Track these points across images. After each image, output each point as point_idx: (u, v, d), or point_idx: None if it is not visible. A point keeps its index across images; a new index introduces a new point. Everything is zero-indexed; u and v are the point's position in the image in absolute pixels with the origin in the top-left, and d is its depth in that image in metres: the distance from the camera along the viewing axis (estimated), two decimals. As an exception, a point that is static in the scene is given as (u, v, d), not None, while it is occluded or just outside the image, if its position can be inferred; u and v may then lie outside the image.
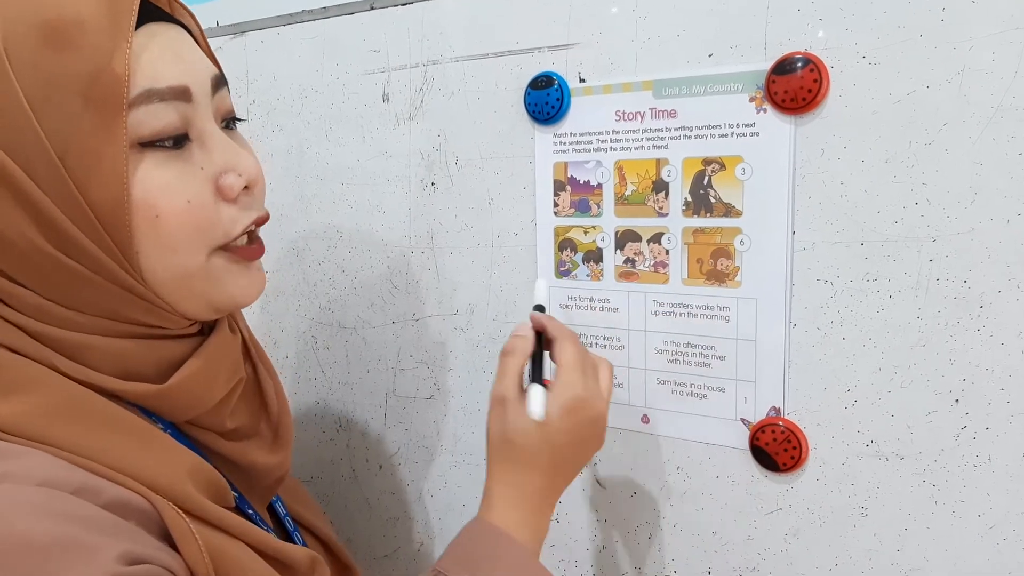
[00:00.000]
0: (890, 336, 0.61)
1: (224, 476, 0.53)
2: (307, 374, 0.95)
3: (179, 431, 0.53)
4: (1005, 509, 0.59)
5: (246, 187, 0.51)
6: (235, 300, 0.53)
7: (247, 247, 0.53)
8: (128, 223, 0.45)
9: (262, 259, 0.55)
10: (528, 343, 0.63)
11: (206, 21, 0.91)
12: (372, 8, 0.81)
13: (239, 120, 0.56)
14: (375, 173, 0.84)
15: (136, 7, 0.45)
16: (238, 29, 0.90)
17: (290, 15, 0.86)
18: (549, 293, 0.72)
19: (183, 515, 0.45)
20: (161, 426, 0.51)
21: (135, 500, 0.44)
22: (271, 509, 0.63)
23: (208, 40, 0.91)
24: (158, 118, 0.46)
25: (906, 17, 0.57)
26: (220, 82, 0.52)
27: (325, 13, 0.84)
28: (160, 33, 0.47)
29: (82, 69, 0.43)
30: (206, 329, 0.55)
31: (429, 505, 0.89)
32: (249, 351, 0.61)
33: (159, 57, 0.46)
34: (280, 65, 0.89)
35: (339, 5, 0.83)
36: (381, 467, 0.91)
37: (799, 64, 0.61)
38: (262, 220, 0.54)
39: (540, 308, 0.67)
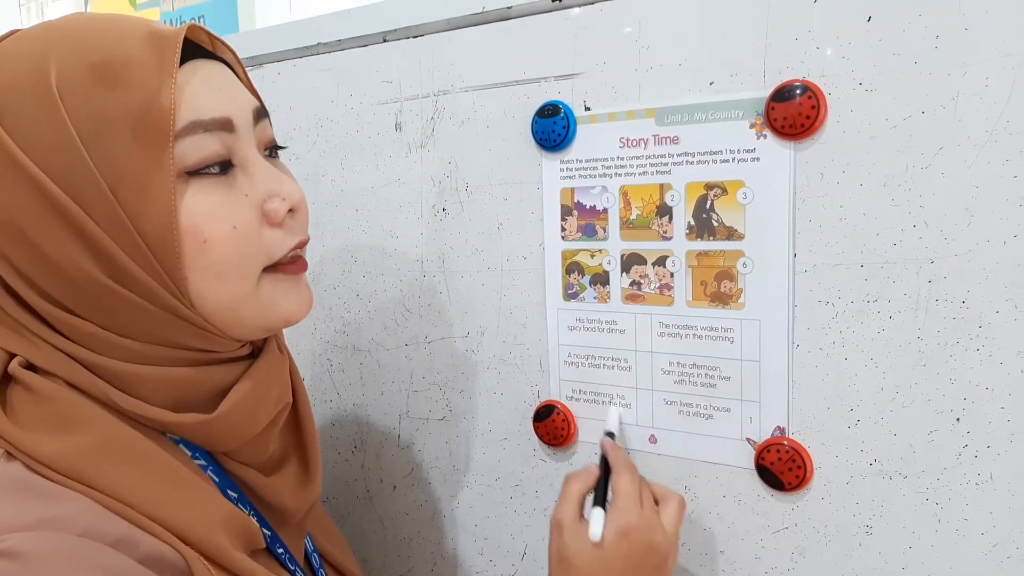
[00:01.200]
0: (891, 356, 0.62)
1: (257, 511, 0.55)
2: (323, 396, 0.97)
3: (219, 464, 0.54)
4: (1008, 527, 0.59)
5: (290, 211, 0.53)
6: (286, 318, 0.54)
7: (291, 263, 0.54)
8: (177, 250, 0.47)
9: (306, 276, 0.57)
10: (592, 471, 0.66)
11: (226, 54, 0.94)
12: (385, 40, 0.84)
13: (281, 148, 0.58)
14: (388, 199, 0.87)
15: (179, 46, 0.48)
16: (256, 62, 0.93)
17: (306, 48, 0.89)
18: (620, 421, 0.75)
19: (212, 570, 0.46)
20: (202, 462, 0.52)
21: (168, 555, 0.45)
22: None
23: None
24: (203, 147, 0.48)
25: (901, 44, 0.59)
26: (261, 113, 0.55)
27: (340, 45, 0.87)
28: (202, 69, 0.50)
29: (131, 105, 0.46)
30: (255, 351, 0.57)
31: (442, 526, 0.90)
32: (294, 376, 0.63)
33: (202, 91, 0.49)
34: (296, 96, 0.92)
35: (353, 38, 0.85)
36: (395, 487, 0.93)
37: (797, 91, 0.62)
38: (304, 243, 0.56)
39: (610, 435, 0.71)
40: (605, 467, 0.67)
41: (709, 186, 0.68)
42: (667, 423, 0.73)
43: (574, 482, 0.65)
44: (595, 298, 0.75)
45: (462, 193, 0.81)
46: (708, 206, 0.68)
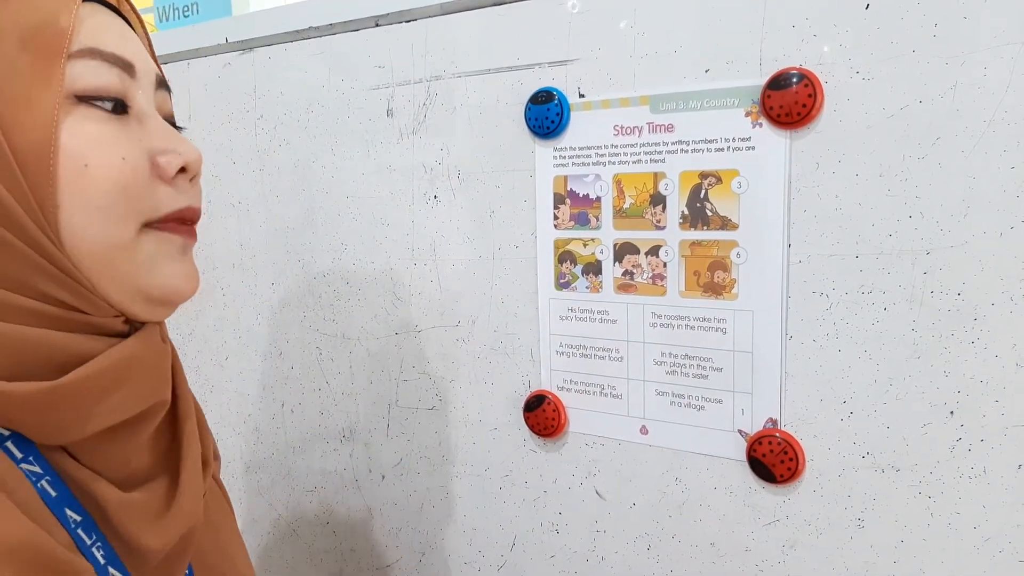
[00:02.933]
0: (885, 348, 0.62)
1: (107, 542, 0.44)
2: (312, 384, 0.96)
3: (60, 475, 0.42)
4: (1000, 521, 0.59)
5: (183, 170, 0.47)
6: (168, 287, 0.46)
7: (176, 221, 0.47)
8: (53, 171, 0.40)
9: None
10: None
11: (216, 37, 0.93)
12: (377, 25, 0.82)
13: (180, 128, 0.51)
14: (379, 186, 0.86)
15: None
16: (246, 45, 0.92)
17: (297, 32, 0.88)
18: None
19: None
20: (35, 468, 0.41)
21: None
22: None
23: (218, 56, 0.93)
24: (99, 75, 0.43)
25: (899, 33, 0.58)
26: (163, 83, 0.49)
27: (331, 30, 0.85)
28: (108, 17, 0.46)
29: (23, 19, 0.41)
30: (133, 332, 0.46)
31: (431, 516, 0.89)
32: (173, 378, 0.51)
33: (106, 30, 0.45)
34: (287, 81, 0.90)
35: (345, 22, 0.84)
36: (384, 477, 0.92)
37: (794, 79, 0.61)
38: (195, 212, 0.48)
39: None
40: None
41: (703, 175, 0.67)
42: (658, 414, 0.72)
43: None
44: (587, 288, 0.74)
45: (454, 180, 0.80)
46: (702, 195, 0.67)
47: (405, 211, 0.84)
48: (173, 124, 0.50)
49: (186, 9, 1.30)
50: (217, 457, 0.56)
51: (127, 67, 0.45)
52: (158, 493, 0.47)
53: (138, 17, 0.50)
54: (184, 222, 0.47)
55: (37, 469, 0.41)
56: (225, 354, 1.03)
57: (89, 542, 0.42)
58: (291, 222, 0.93)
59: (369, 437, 0.92)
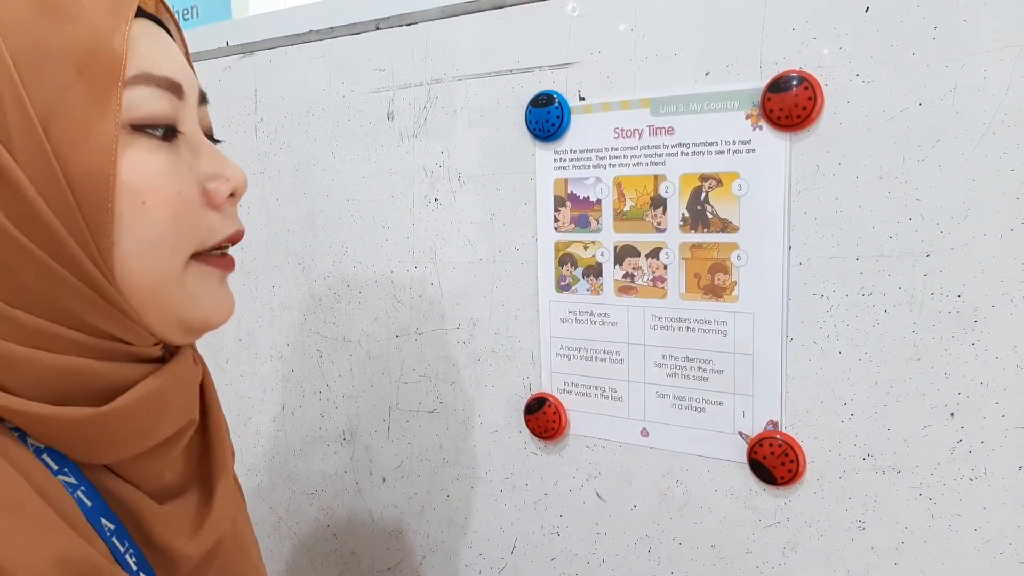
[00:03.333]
0: (885, 350, 0.62)
1: (139, 550, 0.45)
2: (312, 387, 0.96)
3: (101, 493, 0.44)
4: (1001, 523, 0.59)
5: (231, 195, 0.48)
6: (207, 318, 0.48)
7: (222, 257, 0.49)
8: (110, 207, 0.40)
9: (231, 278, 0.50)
10: None
11: (216, 41, 0.93)
12: (378, 28, 0.83)
13: (218, 141, 0.52)
14: (380, 189, 0.86)
15: (136, 1, 0.43)
16: (247, 49, 0.92)
17: (298, 35, 0.88)
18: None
19: None
20: (70, 480, 0.42)
21: None
22: None
23: (219, 60, 0.94)
24: (152, 103, 0.43)
25: (899, 36, 0.58)
26: (204, 97, 0.50)
27: (332, 33, 0.86)
28: (154, 31, 0.45)
29: (78, 42, 0.40)
30: (167, 356, 0.49)
31: (431, 519, 0.89)
32: (205, 393, 0.53)
33: (155, 49, 0.44)
34: (288, 84, 0.91)
35: (346, 25, 0.84)
36: (384, 480, 0.92)
37: (794, 82, 0.62)
38: (240, 235, 0.50)
39: None
40: None
41: (704, 177, 0.67)
42: (659, 416, 0.72)
43: None
44: (588, 290, 0.74)
45: (454, 183, 0.80)
46: (703, 198, 0.68)
47: (406, 214, 0.84)
48: (211, 137, 0.51)
49: (186, 12, 1.30)
50: (232, 453, 0.57)
51: (176, 90, 0.45)
52: (192, 503, 0.49)
53: (175, 22, 0.50)
54: (225, 256, 0.49)
55: (73, 480, 0.42)
56: (225, 357, 1.03)
57: (123, 549, 0.43)
58: (292, 225, 0.93)
59: (370, 440, 0.93)
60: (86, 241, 0.40)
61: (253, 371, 1.01)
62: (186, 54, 0.50)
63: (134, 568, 0.43)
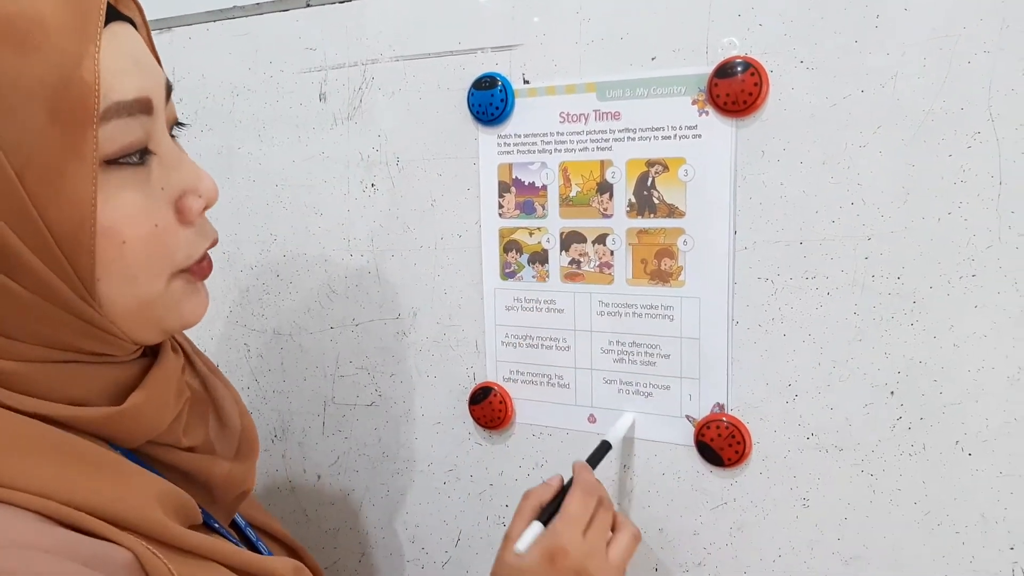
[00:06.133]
0: (828, 332, 0.63)
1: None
2: (239, 383, 0.92)
3: (135, 456, 0.49)
4: (939, 496, 0.61)
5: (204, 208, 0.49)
6: (185, 322, 0.50)
7: (200, 265, 0.50)
8: (92, 250, 0.41)
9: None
10: (551, 485, 0.66)
11: (129, 16, 0.87)
12: (308, 5, 0.79)
13: (183, 125, 0.52)
14: (312, 174, 0.82)
15: (104, 7, 0.41)
16: (164, 25, 0.87)
17: (220, 11, 0.83)
18: (625, 434, 0.72)
19: (159, 555, 0.41)
20: (118, 451, 0.47)
21: (112, 557, 0.39)
22: (233, 523, 0.60)
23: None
24: (126, 134, 0.42)
25: (842, 24, 0.59)
26: (170, 89, 0.49)
27: (258, 9, 0.81)
28: (119, 34, 0.43)
29: (46, 76, 0.39)
30: (148, 351, 0.52)
31: (371, 514, 0.87)
32: (195, 364, 0.58)
33: (122, 64, 0.42)
34: (209, 63, 0.86)
35: (272, 1, 0.80)
36: (320, 477, 0.89)
37: (740, 68, 0.62)
38: (216, 242, 0.51)
39: (607, 444, 0.68)
40: (569, 484, 0.65)
41: (650, 163, 0.67)
42: (606, 402, 0.72)
43: (528, 499, 0.65)
44: (533, 277, 0.73)
45: (392, 168, 0.78)
46: (649, 183, 0.67)
47: (340, 200, 0.81)
48: (178, 123, 0.50)
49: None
50: (244, 411, 0.63)
51: (147, 107, 0.44)
52: (227, 451, 0.56)
53: (138, 7, 0.47)
54: (204, 261, 0.50)
55: (119, 452, 0.47)
56: (143, 353, 0.97)
57: None
58: (214, 212, 0.88)
59: (303, 436, 0.89)
60: (72, 281, 0.42)
61: (174, 367, 0.95)
62: (149, 41, 0.48)
63: None
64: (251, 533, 0.61)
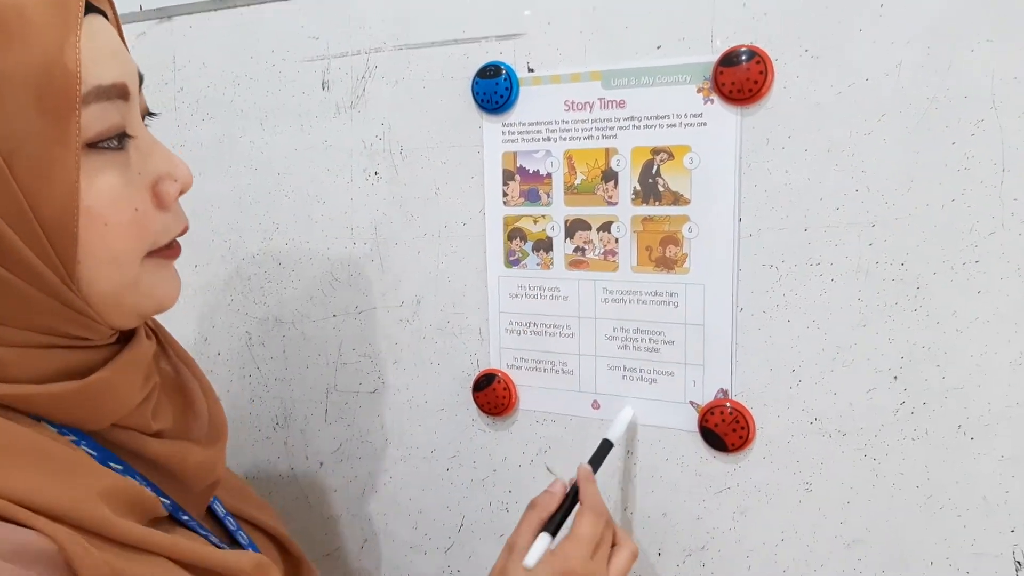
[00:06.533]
0: (832, 318, 0.64)
1: (154, 485, 0.51)
2: (241, 371, 0.92)
3: (99, 443, 0.49)
4: (941, 480, 0.62)
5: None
6: (160, 304, 0.51)
7: (170, 248, 0.51)
8: (75, 234, 0.43)
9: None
10: (555, 495, 0.66)
11: (129, 5, 0.87)
12: (311, -7, 0.79)
13: (153, 115, 0.53)
14: (314, 163, 0.82)
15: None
16: (164, 14, 0.86)
17: (222, -1, 0.83)
18: (628, 429, 0.72)
19: (95, 547, 0.41)
20: (72, 437, 0.47)
21: (34, 543, 0.39)
22: (210, 511, 0.61)
23: (132, 25, 0.87)
24: (106, 118, 0.44)
25: (847, 12, 0.60)
26: (142, 79, 0.51)
27: (260, -3, 0.81)
28: (95, 25, 0.44)
29: (31, 64, 0.40)
30: (122, 338, 0.52)
31: (373, 501, 0.87)
32: (167, 352, 0.59)
33: (101, 50, 0.44)
34: (211, 52, 0.85)
35: (275, -11, 0.80)
36: (322, 464, 0.89)
37: (745, 56, 0.62)
38: (186, 229, 0.53)
39: (608, 443, 0.69)
40: (574, 495, 0.65)
41: (655, 151, 0.68)
42: (610, 388, 0.73)
43: (534, 509, 0.65)
44: (538, 264, 0.73)
45: (396, 156, 0.78)
46: (654, 171, 0.68)
47: (343, 189, 0.81)
48: (149, 112, 0.52)
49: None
50: (216, 402, 0.62)
51: (124, 92, 0.45)
52: (197, 438, 0.56)
53: (110, 2, 0.49)
54: (173, 245, 0.51)
55: (73, 437, 0.47)
56: (144, 342, 0.97)
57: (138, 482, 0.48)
58: (216, 201, 0.88)
59: (305, 424, 0.89)
60: (54, 263, 0.43)
61: (175, 356, 0.95)
62: (119, 29, 0.50)
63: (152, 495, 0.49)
64: (231, 523, 0.61)
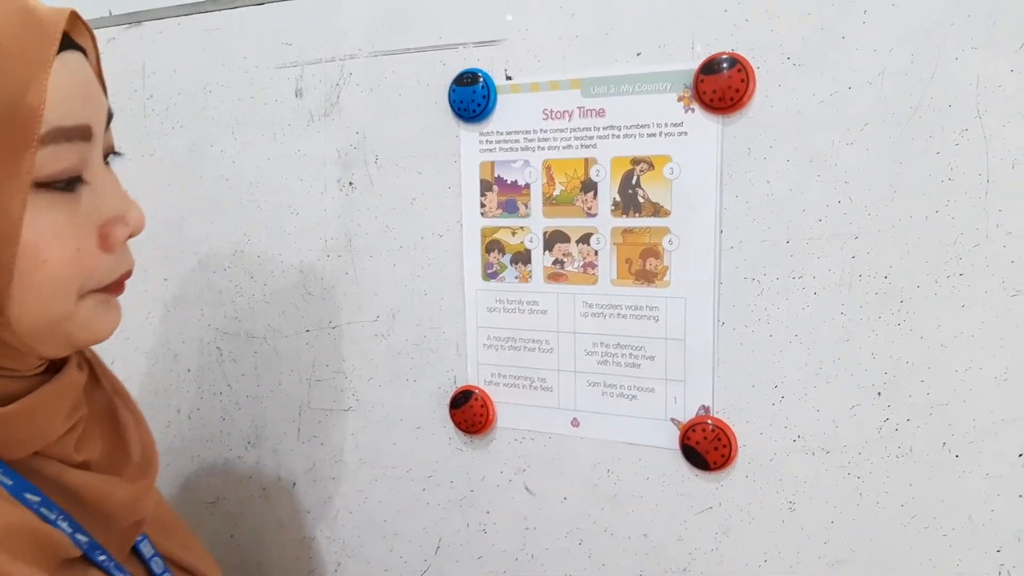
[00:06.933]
0: (815, 332, 0.62)
1: (73, 520, 0.49)
2: (211, 388, 0.89)
3: (17, 471, 0.47)
4: (926, 498, 0.61)
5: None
6: (96, 337, 0.49)
7: (114, 284, 0.49)
8: (11, 266, 0.41)
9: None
10: None
11: (98, 9, 0.85)
12: (284, -1, 0.77)
13: (117, 155, 0.52)
14: (287, 173, 0.80)
15: (59, 36, 0.42)
16: (134, 19, 0.84)
17: (193, 4, 0.81)
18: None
19: None
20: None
21: None
22: (135, 551, 0.57)
23: (101, 30, 0.85)
24: (61, 159, 0.43)
25: (829, 19, 0.59)
26: (111, 117, 0.50)
27: (232, 3, 0.79)
28: (70, 63, 0.43)
29: None
30: (51, 366, 0.51)
31: (348, 523, 0.84)
32: (100, 381, 0.57)
33: (68, 92, 0.43)
34: (181, 58, 0.83)
35: (247, -4, 0.78)
36: (295, 484, 0.87)
37: (726, 64, 0.61)
38: (130, 273, 0.51)
39: None
40: None
41: (635, 161, 0.66)
42: (590, 405, 0.71)
43: None
44: (516, 277, 0.72)
45: (371, 166, 0.76)
46: (634, 181, 0.66)
47: (316, 199, 0.79)
48: (114, 151, 0.51)
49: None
50: (147, 432, 0.61)
51: (86, 134, 0.44)
52: (124, 473, 0.54)
53: (91, 35, 0.48)
54: (120, 282, 0.50)
55: None
56: (111, 358, 0.94)
57: (53, 516, 0.47)
58: (186, 212, 0.86)
59: (278, 443, 0.87)
60: None
61: (144, 372, 0.92)
62: (98, 68, 0.49)
63: (69, 531, 0.47)
64: (157, 564, 0.58)
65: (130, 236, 0.49)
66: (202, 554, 0.65)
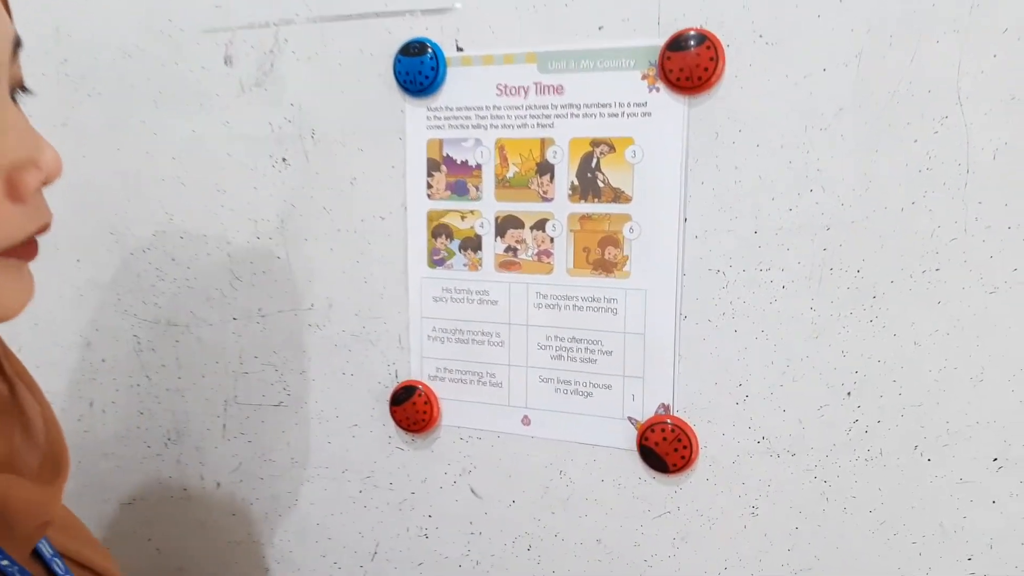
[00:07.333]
0: (783, 328, 0.59)
1: None
2: (128, 380, 0.82)
3: None
4: (895, 504, 0.58)
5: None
6: (4, 312, 0.43)
7: (24, 246, 0.43)
8: None
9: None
10: None
11: (1, -41, 0.76)
12: (213, -45, 0.70)
13: (26, 92, 0.45)
14: (215, 147, 0.73)
15: None
16: (43, -28, 0.76)
17: (110, -42, 0.73)
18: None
19: None
20: None
21: None
22: (36, 552, 0.52)
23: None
24: None
25: (805, -4, 0.55)
26: (18, 44, 0.42)
27: (154, -42, 0.72)
28: None
29: None
30: None
31: (277, 526, 0.78)
32: (3, 369, 0.51)
33: None
34: (99, 20, 0.75)
35: (172, -50, 0.71)
36: (219, 485, 0.80)
37: (694, 41, 0.57)
38: (48, 226, 0.44)
39: None
40: None
41: (595, 142, 0.62)
42: (542, 402, 0.66)
43: None
44: (465, 265, 0.67)
45: (307, 141, 0.70)
46: (593, 164, 0.62)
47: (246, 176, 0.73)
48: (22, 87, 0.43)
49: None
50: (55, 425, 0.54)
51: None
52: (29, 471, 0.48)
53: None
54: (30, 243, 0.43)
55: None
56: (17, 345, 0.85)
57: None
58: (102, 187, 0.78)
59: (201, 440, 0.80)
60: None
61: (53, 361, 0.84)
62: None
63: None
64: (59, 565, 0.53)
65: (45, 183, 0.42)
66: (100, 549, 0.59)
